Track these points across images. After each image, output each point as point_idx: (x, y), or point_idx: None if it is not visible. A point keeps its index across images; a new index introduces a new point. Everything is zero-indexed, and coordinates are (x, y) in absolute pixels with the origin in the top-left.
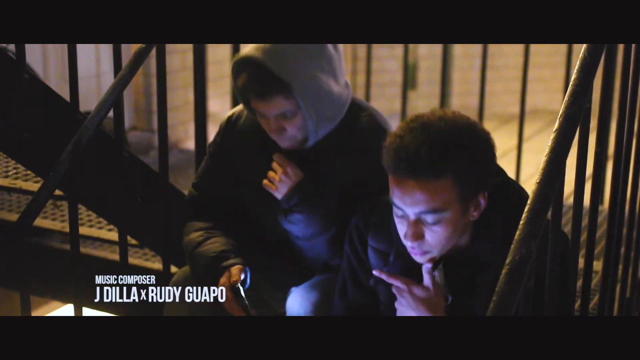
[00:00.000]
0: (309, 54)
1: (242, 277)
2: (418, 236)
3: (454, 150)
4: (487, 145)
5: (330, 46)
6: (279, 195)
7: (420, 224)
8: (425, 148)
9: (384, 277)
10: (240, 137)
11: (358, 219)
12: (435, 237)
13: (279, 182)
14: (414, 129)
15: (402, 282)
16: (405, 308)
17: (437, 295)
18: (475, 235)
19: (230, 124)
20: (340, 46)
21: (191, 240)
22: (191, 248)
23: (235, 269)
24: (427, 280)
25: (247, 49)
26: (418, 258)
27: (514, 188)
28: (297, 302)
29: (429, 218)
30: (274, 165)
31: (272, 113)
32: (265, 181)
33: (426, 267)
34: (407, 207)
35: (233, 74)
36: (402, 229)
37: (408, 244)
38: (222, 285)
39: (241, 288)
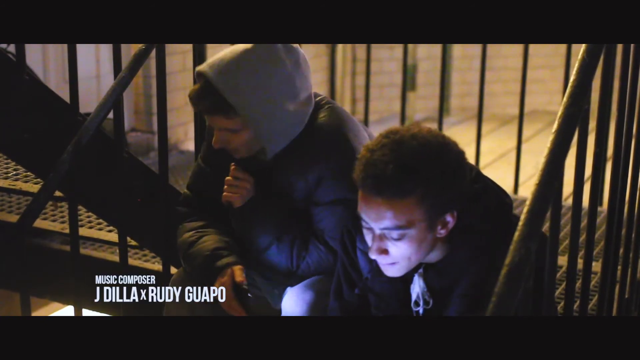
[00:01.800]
0: (262, 78)
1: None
2: (382, 250)
3: (421, 172)
4: (457, 167)
5: (289, 65)
6: (236, 204)
7: (385, 238)
8: (393, 167)
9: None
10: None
11: (349, 222)
12: (399, 252)
13: (227, 196)
14: (385, 145)
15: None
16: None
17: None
18: (454, 242)
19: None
20: (303, 56)
21: (184, 241)
22: (184, 249)
23: (237, 269)
24: None
25: (206, 62)
26: (386, 270)
27: (494, 194)
28: (292, 302)
29: (394, 234)
30: (231, 173)
31: (216, 127)
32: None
33: None
34: (371, 222)
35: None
36: (368, 240)
37: (373, 256)
38: (223, 285)
39: (248, 290)
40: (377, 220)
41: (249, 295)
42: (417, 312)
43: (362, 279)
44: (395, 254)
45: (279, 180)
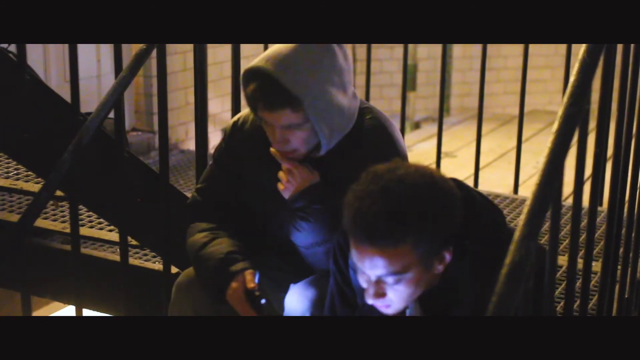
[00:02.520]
0: (321, 68)
1: (256, 281)
2: (379, 295)
3: (412, 218)
4: (450, 205)
5: (341, 58)
6: (285, 195)
7: (382, 283)
8: (383, 217)
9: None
10: (246, 142)
11: (340, 236)
12: (398, 295)
13: (286, 182)
14: (372, 193)
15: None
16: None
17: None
18: (448, 266)
19: (235, 129)
20: (350, 56)
21: (196, 241)
22: (196, 249)
23: (249, 275)
24: None
25: (258, 58)
26: (384, 311)
27: (485, 213)
28: (295, 299)
29: (390, 279)
30: (283, 166)
31: (279, 124)
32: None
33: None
34: (366, 270)
35: (243, 82)
36: (364, 284)
37: (370, 301)
38: (236, 291)
39: (262, 296)
40: (372, 269)
41: (262, 301)
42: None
43: (355, 296)
44: (393, 297)
45: (327, 180)
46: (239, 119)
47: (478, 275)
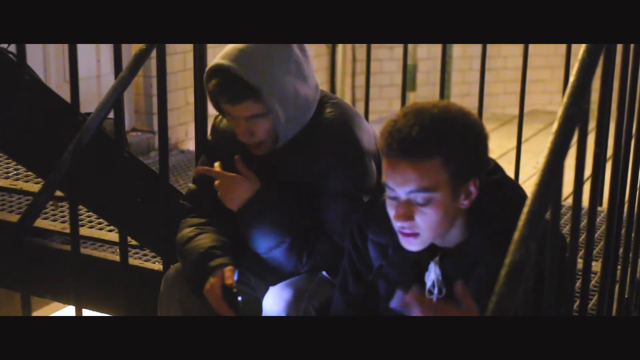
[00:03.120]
0: (276, 58)
1: (235, 278)
2: (408, 217)
3: (444, 133)
4: (478, 133)
5: (296, 49)
6: (232, 207)
7: (410, 204)
8: (417, 129)
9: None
10: (223, 138)
11: (358, 214)
12: (425, 219)
13: (227, 197)
14: (407, 113)
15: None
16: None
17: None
18: (470, 230)
19: (215, 124)
20: (308, 49)
21: (182, 236)
22: (182, 244)
23: (228, 270)
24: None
25: (217, 57)
26: (408, 242)
27: (511, 185)
28: (271, 301)
29: (419, 198)
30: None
31: (242, 116)
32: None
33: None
34: (398, 187)
35: (205, 81)
36: (392, 210)
37: (397, 224)
38: (213, 286)
39: (238, 293)
40: (403, 184)
41: (239, 298)
42: (431, 299)
43: (370, 273)
44: (419, 221)
45: (283, 173)
46: (218, 115)
47: (494, 240)
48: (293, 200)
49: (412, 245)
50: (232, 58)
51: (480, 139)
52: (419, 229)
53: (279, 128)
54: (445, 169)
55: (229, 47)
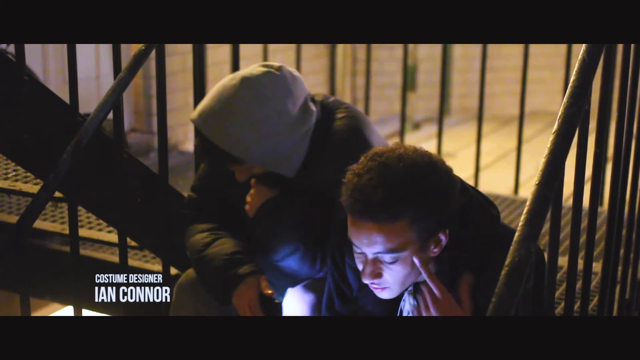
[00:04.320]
0: (253, 121)
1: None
2: (376, 275)
3: (410, 195)
4: (447, 186)
5: (277, 92)
6: (250, 214)
7: (378, 262)
8: (381, 191)
9: (425, 276)
10: None
11: (336, 234)
12: (394, 276)
13: (249, 202)
14: (371, 169)
15: (441, 292)
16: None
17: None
18: (440, 258)
19: None
20: (292, 74)
21: (197, 241)
22: (198, 249)
23: (263, 280)
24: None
25: (196, 110)
26: (378, 293)
27: (478, 205)
28: (294, 303)
29: (387, 258)
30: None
31: (232, 169)
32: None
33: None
34: (364, 247)
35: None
36: (360, 265)
37: (366, 281)
38: (250, 298)
39: (278, 302)
40: (369, 245)
41: (279, 308)
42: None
43: (352, 292)
44: (389, 278)
45: (298, 183)
46: None
47: (464, 261)
48: (308, 207)
49: (384, 295)
50: (209, 124)
51: (448, 193)
52: (387, 284)
53: (277, 170)
54: (412, 229)
55: (206, 103)
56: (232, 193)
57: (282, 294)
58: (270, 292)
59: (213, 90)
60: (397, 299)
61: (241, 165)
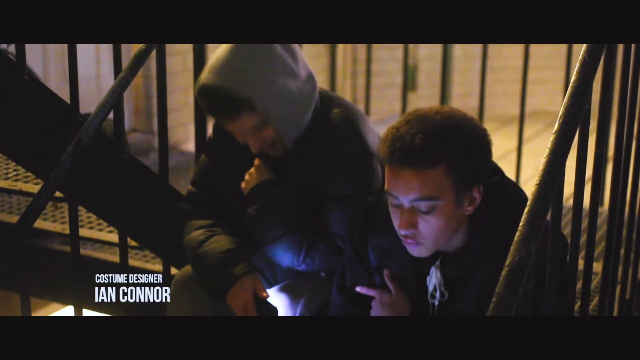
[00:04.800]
0: (258, 61)
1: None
2: (411, 225)
3: (448, 140)
4: (482, 140)
5: (277, 47)
6: (245, 192)
7: (414, 213)
8: (420, 137)
9: (363, 291)
10: (228, 136)
11: (359, 217)
12: (429, 228)
13: (245, 180)
14: (410, 120)
15: (376, 292)
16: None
17: (401, 300)
18: (471, 233)
19: (217, 125)
20: (293, 46)
21: (193, 238)
22: (194, 247)
23: (259, 283)
24: (390, 286)
25: (202, 75)
26: (412, 250)
27: (510, 187)
28: (286, 302)
29: (423, 206)
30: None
31: (243, 130)
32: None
33: (385, 275)
34: (401, 195)
35: (198, 100)
36: (396, 218)
37: (401, 232)
38: (246, 299)
39: (271, 303)
40: (406, 193)
41: (273, 309)
42: (433, 303)
43: (369, 276)
44: (424, 230)
45: (292, 173)
46: None
47: (494, 243)
48: (300, 198)
49: (416, 251)
50: (215, 73)
51: (483, 146)
52: (422, 238)
53: (281, 129)
54: (448, 177)
55: (210, 62)
56: (231, 187)
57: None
58: (265, 294)
59: (216, 53)
60: (424, 275)
61: (253, 115)
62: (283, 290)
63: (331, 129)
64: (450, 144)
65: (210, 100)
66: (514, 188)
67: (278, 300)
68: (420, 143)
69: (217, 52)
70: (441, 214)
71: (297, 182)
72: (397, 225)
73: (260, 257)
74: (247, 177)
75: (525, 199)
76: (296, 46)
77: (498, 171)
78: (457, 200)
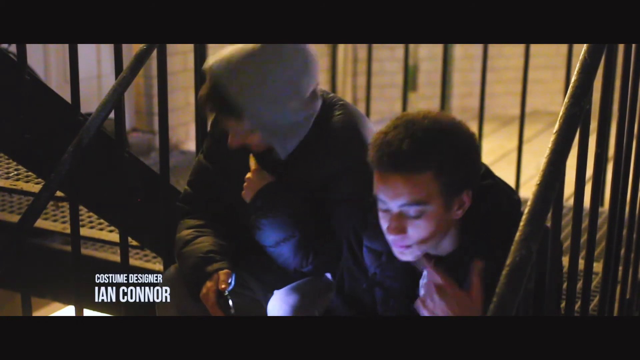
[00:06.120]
0: (268, 80)
1: (230, 282)
2: (400, 230)
3: (435, 145)
4: (470, 144)
5: (296, 64)
6: (246, 198)
7: (403, 217)
8: (408, 142)
9: (429, 271)
10: (225, 136)
11: (355, 219)
12: (418, 232)
13: (246, 186)
14: (398, 125)
15: (445, 280)
16: (434, 308)
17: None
18: (463, 237)
19: (214, 125)
20: (315, 58)
21: (181, 238)
22: (180, 246)
23: (223, 275)
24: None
25: (214, 57)
26: (400, 254)
27: (503, 191)
28: (277, 305)
29: (412, 211)
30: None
31: (228, 129)
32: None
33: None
34: (389, 200)
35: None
36: (385, 223)
37: (390, 237)
38: (209, 290)
39: (229, 298)
40: (395, 198)
41: (230, 302)
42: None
43: (366, 277)
44: (412, 234)
45: (294, 175)
46: None
47: (487, 246)
48: (301, 199)
49: (405, 256)
50: (225, 68)
51: (472, 150)
52: (411, 241)
53: (272, 143)
54: (437, 182)
55: (227, 52)
56: (226, 189)
57: (271, 290)
58: (223, 286)
59: (239, 45)
60: (416, 278)
61: (239, 123)
62: (289, 291)
63: (332, 131)
64: (437, 150)
65: (209, 89)
66: (506, 191)
67: (287, 301)
68: (408, 148)
69: (236, 47)
70: (430, 219)
71: (299, 184)
72: (385, 229)
73: (258, 261)
74: (246, 183)
75: (519, 201)
76: (317, 61)
77: (489, 174)
78: (446, 205)
